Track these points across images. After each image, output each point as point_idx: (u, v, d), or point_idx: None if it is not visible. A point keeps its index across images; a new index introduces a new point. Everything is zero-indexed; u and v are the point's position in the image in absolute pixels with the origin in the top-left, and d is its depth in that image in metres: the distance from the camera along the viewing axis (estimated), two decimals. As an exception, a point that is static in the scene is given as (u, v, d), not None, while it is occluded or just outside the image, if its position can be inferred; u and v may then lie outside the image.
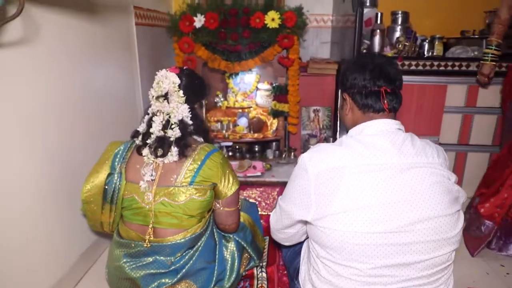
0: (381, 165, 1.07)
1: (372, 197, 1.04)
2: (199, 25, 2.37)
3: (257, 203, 1.93)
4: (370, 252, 1.03)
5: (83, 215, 1.54)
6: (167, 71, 1.32)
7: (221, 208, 1.40)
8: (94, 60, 1.77)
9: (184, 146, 1.31)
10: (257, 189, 2.30)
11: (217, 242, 1.46)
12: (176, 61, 2.52)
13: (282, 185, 2.35)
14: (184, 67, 1.40)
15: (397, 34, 2.65)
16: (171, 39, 2.52)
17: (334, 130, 2.72)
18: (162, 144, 1.29)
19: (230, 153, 2.72)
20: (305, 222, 1.16)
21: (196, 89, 1.41)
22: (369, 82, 1.16)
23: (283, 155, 2.69)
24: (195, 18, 2.36)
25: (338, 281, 1.09)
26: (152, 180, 1.31)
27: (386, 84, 1.16)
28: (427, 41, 2.43)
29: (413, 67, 2.22)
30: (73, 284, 1.63)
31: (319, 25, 3.03)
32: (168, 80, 1.31)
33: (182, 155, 1.30)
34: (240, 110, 2.84)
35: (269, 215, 2.21)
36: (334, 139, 2.40)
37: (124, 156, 1.38)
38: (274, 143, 2.75)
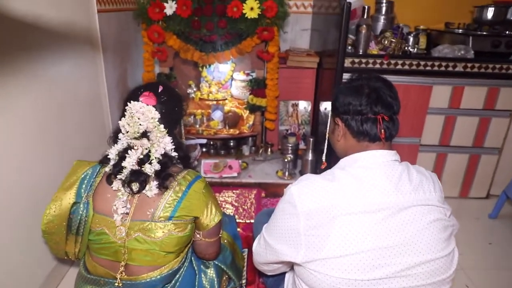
0: (376, 205, 1.00)
1: (367, 242, 0.97)
2: (170, 12, 2.13)
3: (235, 215, 1.83)
4: (363, 298, 0.97)
5: (45, 243, 1.38)
6: (141, 102, 1.15)
7: (202, 239, 1.28)
8: (48, 58, 1.54)
9: (166, 178, 1.16)
10: (234, 191, 2.19)
11: (196, 272, 1.35)
12: (145, 51, 2.28)
13: (259, 186, 2.25)
14: (160, 88, 1.22)
15: (381, 25, 2.53)
16: (140, 26, 2.27)
17: (313, 128, 2.62)
18: (138, 178, 1.13)
19: (204, 149, 2.57)
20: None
21: (177, 114, 1.25)
22: (366, 108, 1.05)
23: (260, 151, 2.57)
24: (165, 4, 2.12)
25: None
26: (126, 213, 1.16)
27: (383, 111, 1.07)
28: (412, 35, 2.34)
29: (399, 66, 2.12)
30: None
31: (299, 10, 2.85)
32: (145, 116, 1.13)
33: (163, 187, 1.16)
34: (215, 103, 2.67)
35: (247, 223, 2.13)
36: (315, 141, 2.30)
37: (92, 183, 1.22)
38: (250, 139, 2.62)
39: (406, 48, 2.28)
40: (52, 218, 1.19)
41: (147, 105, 1.14)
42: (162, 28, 2.18)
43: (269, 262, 1.17)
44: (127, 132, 1.15)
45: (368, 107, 1.05)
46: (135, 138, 1.15)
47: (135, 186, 1.13)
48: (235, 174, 2.28)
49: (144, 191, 1.14)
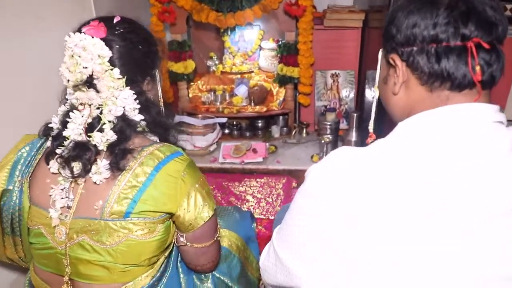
0: (470, 200, 0.56)
1: (452, 265, 0.54)
2: (177, -39, 1.76)
3: (251, 211, 1.42)
4: None
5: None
6: (84, 33, 0.77)
7: (188, 245, 0.88)
8: (23, 18, 1.23)
9: (120, 154, 0.78)
10: (258, 180, 1.77)
11: (183, 286, 0.96)
12: (152, 13, 1.93)
13: (289, 174, 1.82)
14: (115, 19, 0.84)
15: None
16: (144, -18, 1.92)
17: (358, 103, 2.13)
18: (81, 154, 0.76)
19: (227, 131, 2.17)
20: None
21: (143, 57, 0.86)
22: (446, 29, 0.60)
23: (293, 133, 2.13)
24: (171, -48, 1.75)
25: None
26: (67, 206, 0.80)
27: (480, 33, 0.60)
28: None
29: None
30: None
31: (340, -38, 2.35)
32: (88, 53, 0.75)
33: (117, 168, 0.78)
34: (239, 76, 2.26)
35: (270, 219, 1.72)
36: (360, 118, 1.83)
37: (30, 163, 0.87)
38: (281, 118, 2.19)
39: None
40: (-25, 211, 0.85)
41: (92, 37, 0.76)
42: (169, -17, 1.81)
43: (280, 285, 0.75)
44: (68, 81, 0.78)
45: (451, 26, 0.60)
46: (79, 90, 0.78)
47: (76, 167, 0.76)
48: (260, 159, 1.86)
49: (90, 175, 0.77)
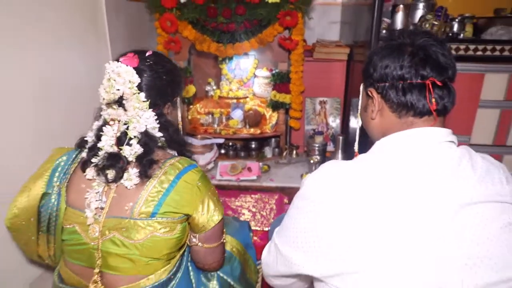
0: (427, 201, 0.73)
1: (414, 252, 0.70)
2: (184, -1, 1.97)
3: (248, 222, 1.57)
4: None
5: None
6: (120, 62, 0.94)
7: (199, 245, 1.04)
8: (44, 46, 1.39)
9: (147, 164, 0.95)
10: (252, 196, 1.93)
11: (194, 285, 1.10)
12: (159, 43, 2.12)
13: (282, 191, 1.99)
14: (147, 53, 1.02)
15: (420, 12, 2.23)
16: (152, 15, 2.11)
17: (344, 127, 2.33)
18: (114, 163, 0.92)
19: (223, 151, 2.34)
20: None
21: (165, 86, 1.03)
22: (409, 71, 0.80)
23: (284, 154, 2.31)
24: (179, -10, 1.96)
25: None
26: (100, 207, 0.95)
27: (434, 74, 0.80)
28: (457, 20, 2.03)
29: (443, 52, 1.82)
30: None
31: (327, 1, 2.61)
32: (121, 78, 0.92)
33: (145, 176, 0.94)
34: (235, 101, 2.45)
35: (265, 231, 1.87)
36: (345, 141, 2.02)
37: (67, 170, 1.02)
38: (273, 140, 2.37)
39: (450, 34, 1.97)
40: (18, 212, 0.99)
41: (126, 66, 0.93)
42: (175, 17, 2.01)
43: (281, 274, 0.91)
44: (103, 99, 0.94)
45: (413, 69, 0.79)
46: (111, 107, 0.94)
47: (110, 174, 0.92)
48: (255, 177, 2.03)
49: (122, 181, 0.93)
